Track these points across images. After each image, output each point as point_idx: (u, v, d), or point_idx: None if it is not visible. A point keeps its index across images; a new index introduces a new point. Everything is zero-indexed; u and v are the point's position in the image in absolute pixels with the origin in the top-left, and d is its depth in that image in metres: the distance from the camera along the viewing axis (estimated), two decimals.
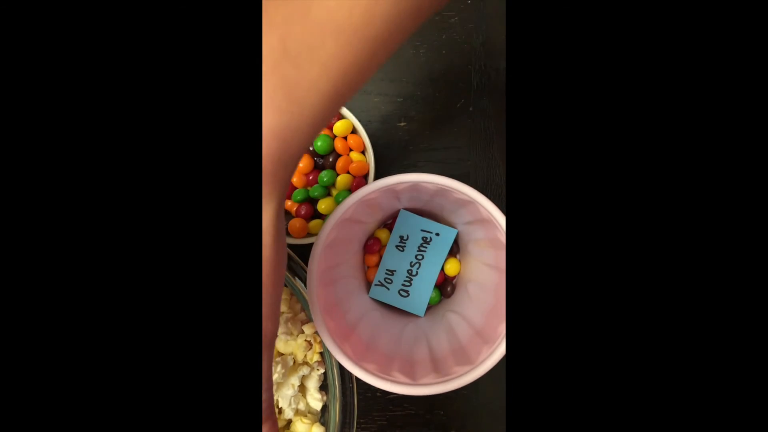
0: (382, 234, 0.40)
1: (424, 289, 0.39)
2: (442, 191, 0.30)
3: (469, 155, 0.43)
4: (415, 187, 0.30)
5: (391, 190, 0.30)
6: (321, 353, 0.32)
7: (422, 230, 0.39)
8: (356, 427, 0.33)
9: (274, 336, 0.23)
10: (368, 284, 0.40)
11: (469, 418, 0.43)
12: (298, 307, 0.34)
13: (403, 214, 0.38)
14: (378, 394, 0.43)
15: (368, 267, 0.41)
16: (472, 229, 0.35)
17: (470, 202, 0.30)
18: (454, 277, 0.40)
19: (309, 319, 0.34)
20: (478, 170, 0.43)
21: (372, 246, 0.40)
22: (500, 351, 0.28)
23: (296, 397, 0.32)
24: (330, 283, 0.31)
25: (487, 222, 0.30)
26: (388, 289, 0.39)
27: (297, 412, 0.32)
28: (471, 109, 0.43)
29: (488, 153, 0.43)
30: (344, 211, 0.29)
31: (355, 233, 0.36)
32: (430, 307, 0.40)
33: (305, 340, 0.31)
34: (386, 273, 0.39)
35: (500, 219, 0.29)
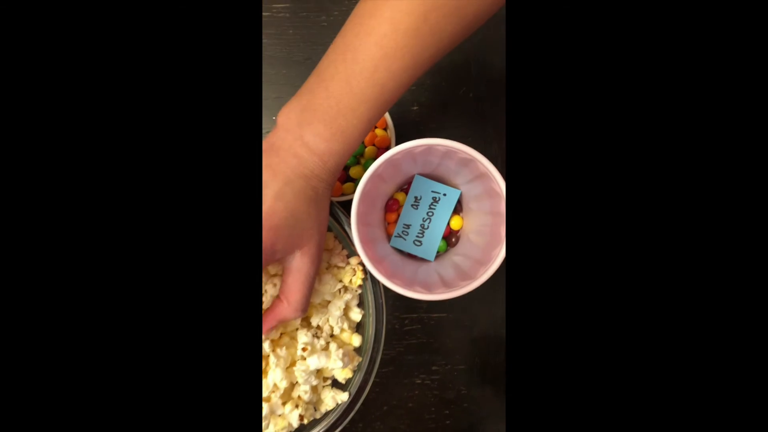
0: (400, 196, 0.50)
1: (434, 239, 0.49)
2: (450, 152, 0.40)
3: (469, 133, 0.53)
4: (429, 149, 0.40)
5: (410, 153, 0.40)
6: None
7: (432, 191, 0.48)
8: (381, 351, 0.43)
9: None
10: (388, 237, 0.50)
11: (471, 346, 0.52)
12: (340, 246, 0.43)
13: (417, 178, 0.48)
14: (396, 326, 0.52)
15: (388, 223, 0.50)
16: (472, 186, 0.45)
17: (471, 161, 0.39)
18: (458, 231, 0.50)
19: (350, 254, 0.43)
20: (476, 145, 0.53)
21: (392, 205, 0.49)
22: (494, 266, 0.38)
23: (342, 318, 0.42)
24: (365, 225, 0.41)
25: (484, 176, 0.40)
26: (405, 239, 0.49)
27: (342, 330, 0.42)
28: (471, 95, 0.53)
29: (484, 131, 0.53)
30: (376, 167, 0.39)
31: (380, 192, 0.46)
32: (439, 254, 0.50)
33: (351, 268, 0.41)
34: (403, 227, 0.49)
35: (495, 173, 0.38)
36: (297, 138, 0.35)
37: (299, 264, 0.36)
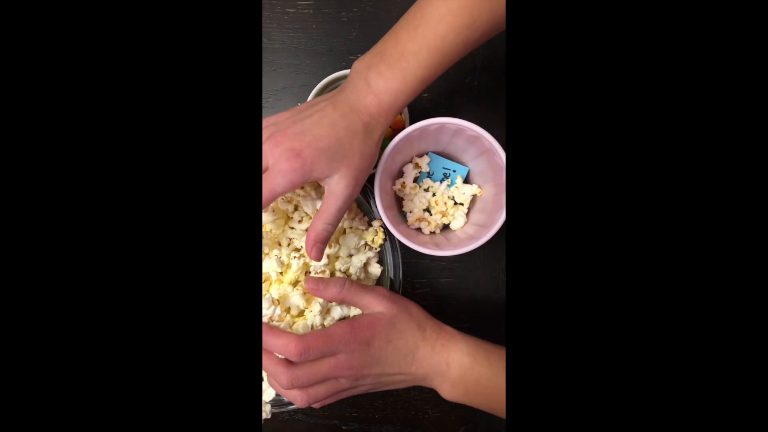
0: None
1: None
2: (460, 130, 0.46)
3: (473, 118, 0.59)
4: (441, 128, 0.46)
5: (425, 130, 0.46)
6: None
7: (443, 168, 0.55)
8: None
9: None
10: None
11: (473, 306, 0.59)
12: (362, 213, 0.50)
13: (430, 155, 0.54)
14: (408, 290, 0.59)
15: None
16: (478, 162, 0.51)
17: (478, 138, 0.46)
18: None
19: (371, 219, 0.50)
20: None
21: None
22: (496, 227, 0.44)
23: (361, 269, 0.48)
24: (386, 193, 0.48)
25: (489, 151, 0.46)
26: None
27: (359, 279, 0.48)
28: (475, 83, 0.59)
29: (487, 116, 0.59)
30: (396, 142, 0.45)
31: (398, 166, 0.52)
32: None
33: (374, 229, 0.48)
34: None
35: (498, 147, 0.45)
36: (362, 78, 0.41)
37: (335, 186, 0.41)
